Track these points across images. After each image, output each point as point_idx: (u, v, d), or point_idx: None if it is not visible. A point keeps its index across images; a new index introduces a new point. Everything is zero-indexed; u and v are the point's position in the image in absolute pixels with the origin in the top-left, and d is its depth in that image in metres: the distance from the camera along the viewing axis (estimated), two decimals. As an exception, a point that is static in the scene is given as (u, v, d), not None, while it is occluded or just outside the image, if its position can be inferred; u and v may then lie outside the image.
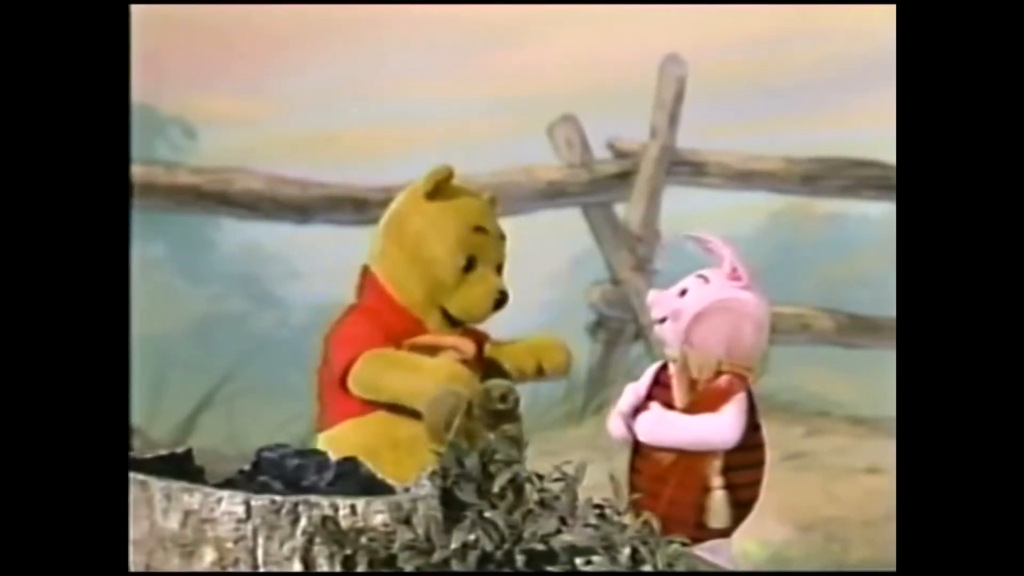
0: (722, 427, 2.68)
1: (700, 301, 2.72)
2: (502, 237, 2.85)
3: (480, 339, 2.87)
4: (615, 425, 2.79)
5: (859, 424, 5.65)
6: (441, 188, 2.80)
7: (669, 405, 2.73)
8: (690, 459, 2.69)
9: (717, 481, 2.69)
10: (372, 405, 2.75)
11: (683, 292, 2.74)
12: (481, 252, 2.81)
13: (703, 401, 2.69)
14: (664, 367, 2.78)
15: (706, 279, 2.75)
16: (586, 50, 5.62)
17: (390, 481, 2.45)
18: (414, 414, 2.73)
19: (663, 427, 2.70)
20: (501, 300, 2.81)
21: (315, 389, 2.86)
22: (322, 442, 2.77)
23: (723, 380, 2.69)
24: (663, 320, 2.74)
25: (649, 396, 2.77)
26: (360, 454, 2.66)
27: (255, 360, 5.57)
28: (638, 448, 2.75)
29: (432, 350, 2.79)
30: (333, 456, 2.50)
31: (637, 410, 2.77)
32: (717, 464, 2.70)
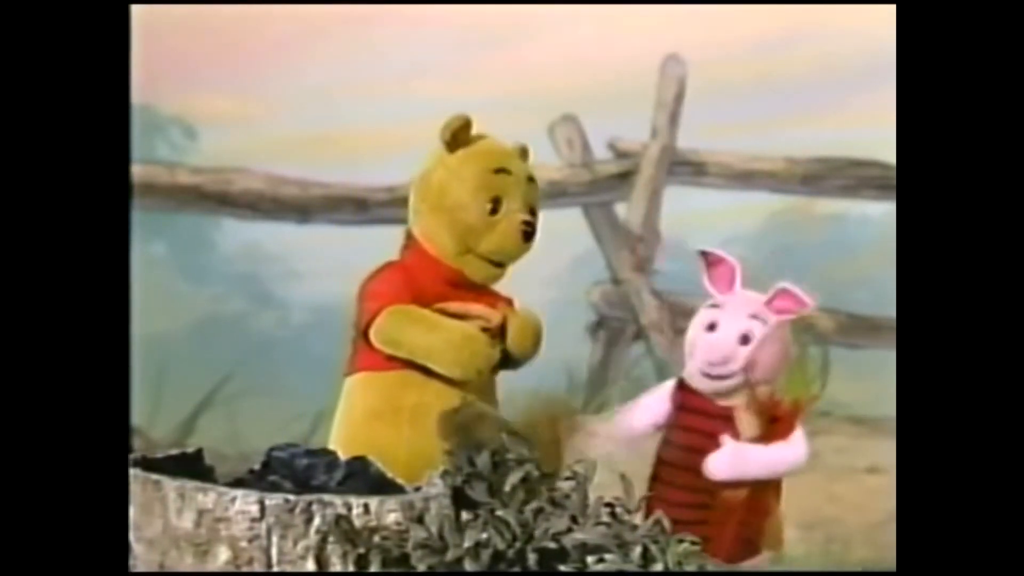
0: (797, 452, 2.69)
1: (768, 346, 2.69)
2: (531, 179, 2.87)
3: (505, 304, 2.88)
4: (631, 419, 2.77)
5: (859, 424, 5.64)
6: (459, 138, 2.83)
7: (703, 432, 2.70)
8: (761, 489, 2.68)
9: (777, 505, 2.71)
10: (393, 362, 2.77)
11: (745, 339, 2.70)
12: (506, 193, 2.82)
13: (776, 432, 2.67)
14: (681, 387, 2.75)
15: (763, 320, 2.71)
16: (586, 50, 5.62)
17: (399, 480, 2.45)
18: (431, 379, 2.76)
19: (743, 462, 2.66)
20: (529, 232, 2.82)
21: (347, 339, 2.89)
22: (346, 386, 2.82)
23: (787, 405, 2.68)
24: (728, 376, 2.69)
25: (674, 424, 2.74)
26: (365, 409, 2.76)
27: (255, 360, 5.57)
28: (678, 478, 2.72)
29: (462, 318, 2.81)
30: (343, 456, 2.50)
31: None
32: (779, 490, 2.71)
